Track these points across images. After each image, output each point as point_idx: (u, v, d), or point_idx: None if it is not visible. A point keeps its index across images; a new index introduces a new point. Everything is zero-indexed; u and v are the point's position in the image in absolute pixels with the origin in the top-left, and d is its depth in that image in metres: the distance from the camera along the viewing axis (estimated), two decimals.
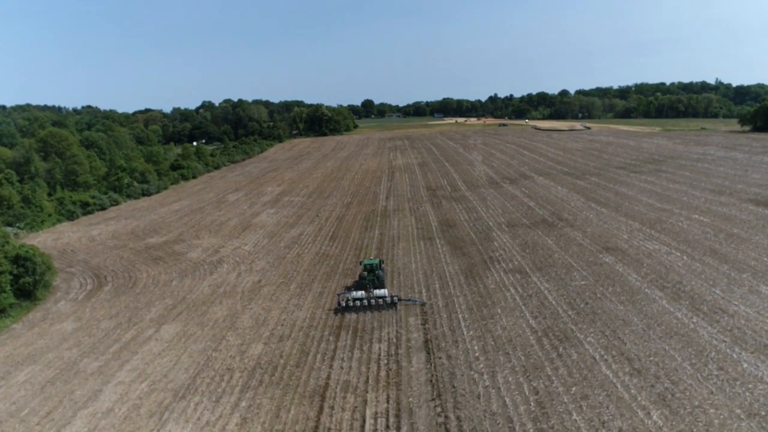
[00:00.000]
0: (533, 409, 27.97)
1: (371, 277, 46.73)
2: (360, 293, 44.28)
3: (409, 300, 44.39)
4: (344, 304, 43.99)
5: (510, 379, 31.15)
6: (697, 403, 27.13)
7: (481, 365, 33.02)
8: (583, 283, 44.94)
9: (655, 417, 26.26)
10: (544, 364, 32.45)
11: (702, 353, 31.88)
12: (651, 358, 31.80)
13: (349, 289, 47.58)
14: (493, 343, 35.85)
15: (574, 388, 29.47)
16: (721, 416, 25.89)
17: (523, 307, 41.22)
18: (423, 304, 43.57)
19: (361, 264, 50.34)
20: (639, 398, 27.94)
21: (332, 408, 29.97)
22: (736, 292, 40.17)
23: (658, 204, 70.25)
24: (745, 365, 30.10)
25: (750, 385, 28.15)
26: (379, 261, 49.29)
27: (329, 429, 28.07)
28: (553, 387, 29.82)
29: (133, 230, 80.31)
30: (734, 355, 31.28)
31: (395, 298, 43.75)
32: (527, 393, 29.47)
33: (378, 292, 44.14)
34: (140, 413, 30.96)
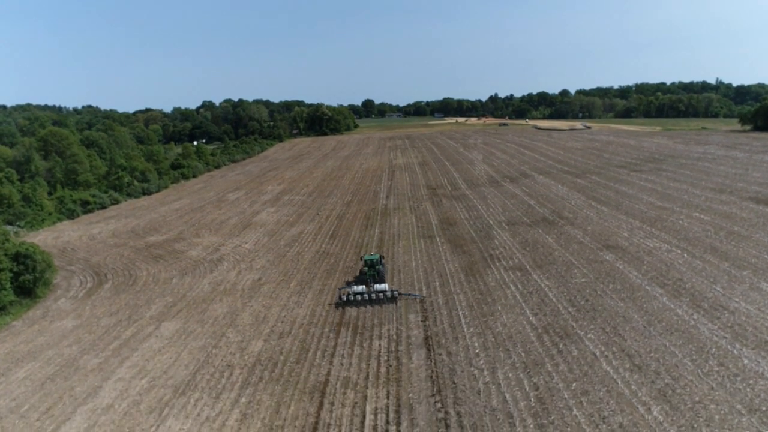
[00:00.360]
0: (533, 404, 27.93)
1: (372, 272, 47.14)
2: (361, 288, 44.78)
3: (409, 294, 44.68)
4: (345, 299, 44.40)
5: (510, 375, 31.10)
6: (697, 398, 27.08)
7: (482, 362, 32.98)
8: (583, 280, 44.89)
9: (655, 412, 26.21)
10: (544, 360, 32.41)
11: (702, 349, 31.83)
12: (651, 355, 31.75)
13: (350, 284, 47.77)
14: (493, 339, 35.80)
15: (574, 384, 29.43)
16: (722, 411, 25.84)
17: (523, 304, 41.18)
18: (423, 299, 43.76)
19: (361, 259, 50.68)
20: (639, 394, 27.89)
21: (332, 404, 29.93)
22: (737, 289, 40.12)
23: (659, 202, 70.20)
24: (746, 361, 30.05)
25: (751, 381, 28.11)
26: (380, 256, 49.79)
27: (329, 424, 28.04)
28: (553, 383, 29.77)
29: (133, 229, 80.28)
30: (735, 352, 31.22)
31: (395, 293, 44.23)
32: (527, 389, 29.43)
33: (378, 286, 44.59)
34: (140, 409, 30.93)
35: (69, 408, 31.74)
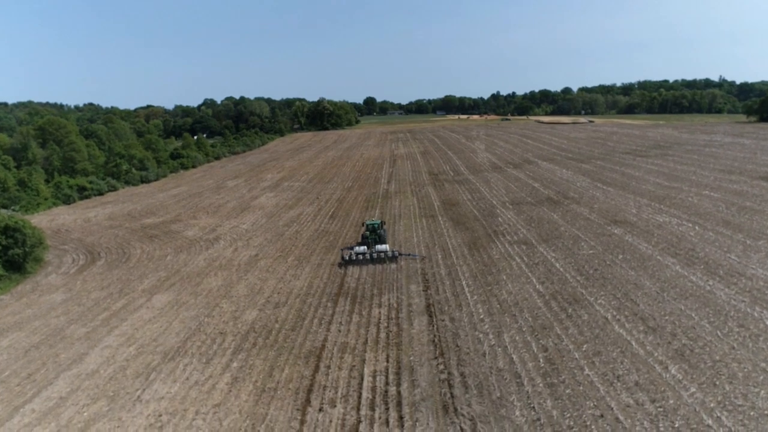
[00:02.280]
0: (542, 365, 26.26)
1: (373, 236, 47.45)
2: (362, 248, 45.19)
3: (409, 254, 44.92)
4: (348, 258, 44.84)
5: (517, 338, 29.43)
6: (718, 357, 25.37)
7: (486, 326, 31.32)
8: (591, 252, 43.18)
9: (673, 371, 24.51)
10: (552, 324, 30.73)
11: (720, 312, 30.11)
12: (666, 318, 30.05)
13: (351, 248, 47.17)
14: (498, 306, 34.13)
15: (585, 346, 27.74)
16: (745, 369, 24.13)
17: (529, 273, 39.50)
18: (423, 258, 43.49)
19: (363, 225, 51.50)
20: (655, 354, 26.19)
21: (328, 367, 28.31)
22: (753, 257, 38.36)
23: (667, 183, 68.45)
24: None
25: None
26: (381, 221, 50.18)
27: (325, 386, 26.41)
28: (563, 345, 28.10)
29: (129, 212, 78.77)
30: (755, 314, 29.49)
31: (395, 252, 44.52)
32: (536, 350, 27.76)
33: (379, 247, 44.82)
34: (126, 374, 29.34)
35: (52, 374, 30.16)
